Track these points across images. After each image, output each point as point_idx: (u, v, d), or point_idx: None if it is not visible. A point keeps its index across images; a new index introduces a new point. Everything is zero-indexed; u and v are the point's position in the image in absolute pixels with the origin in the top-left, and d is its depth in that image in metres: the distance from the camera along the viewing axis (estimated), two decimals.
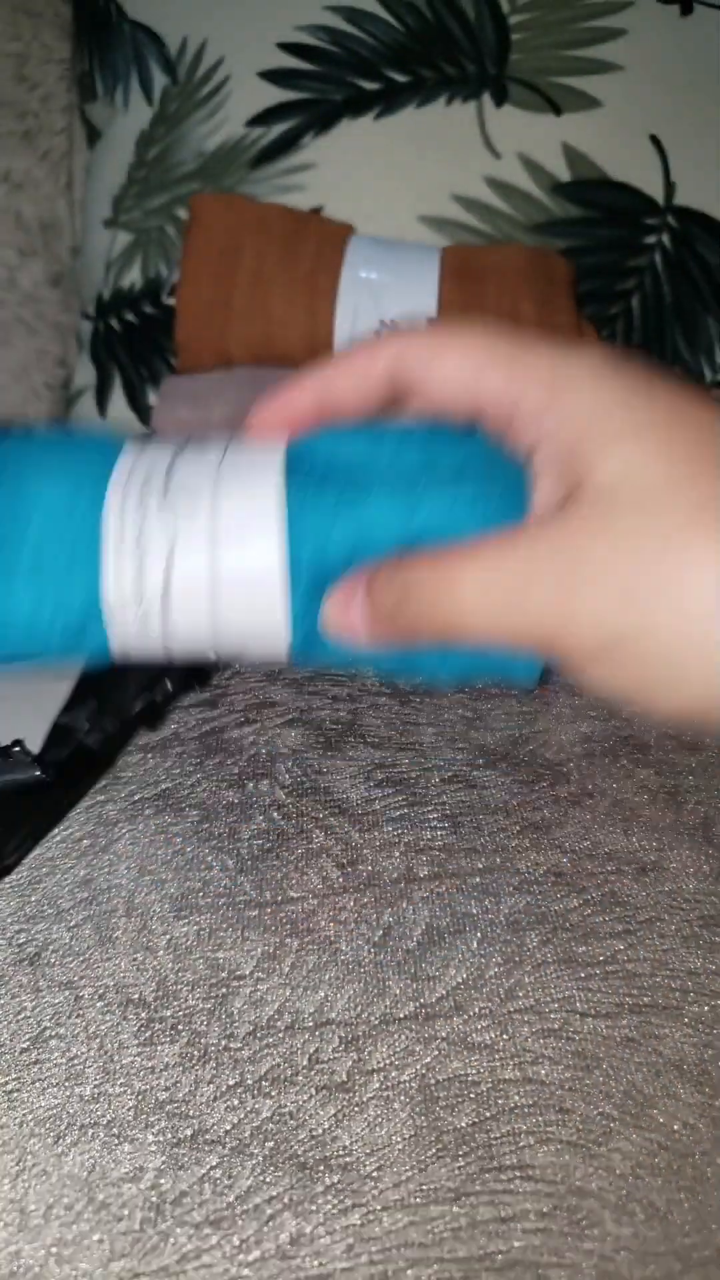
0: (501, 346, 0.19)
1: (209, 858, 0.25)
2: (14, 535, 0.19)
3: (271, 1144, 0.19)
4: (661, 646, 0.17)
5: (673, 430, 0.17)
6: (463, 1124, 0.19)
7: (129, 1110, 0.20)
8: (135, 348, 0.42)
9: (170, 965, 0.23)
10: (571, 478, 0.18)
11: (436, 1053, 0.20)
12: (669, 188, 0.40)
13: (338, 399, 0.20)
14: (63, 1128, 0.20)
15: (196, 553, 0.18)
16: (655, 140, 0.39)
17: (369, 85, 0.39)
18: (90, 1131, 0.20)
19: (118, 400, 0.43)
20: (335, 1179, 0.18)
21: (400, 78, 0.39)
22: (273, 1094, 0.20)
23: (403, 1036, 0.21)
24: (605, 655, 0.17)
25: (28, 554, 0.19)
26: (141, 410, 0.43)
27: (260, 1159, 0.19)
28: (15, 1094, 0.20)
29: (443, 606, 0.18)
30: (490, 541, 0.18)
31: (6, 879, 0.25)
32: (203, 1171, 0.19)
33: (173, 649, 0.19)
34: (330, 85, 0.39)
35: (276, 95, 0.39)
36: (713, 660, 0.16)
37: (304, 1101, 0.20)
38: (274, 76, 0.39)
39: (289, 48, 0.39)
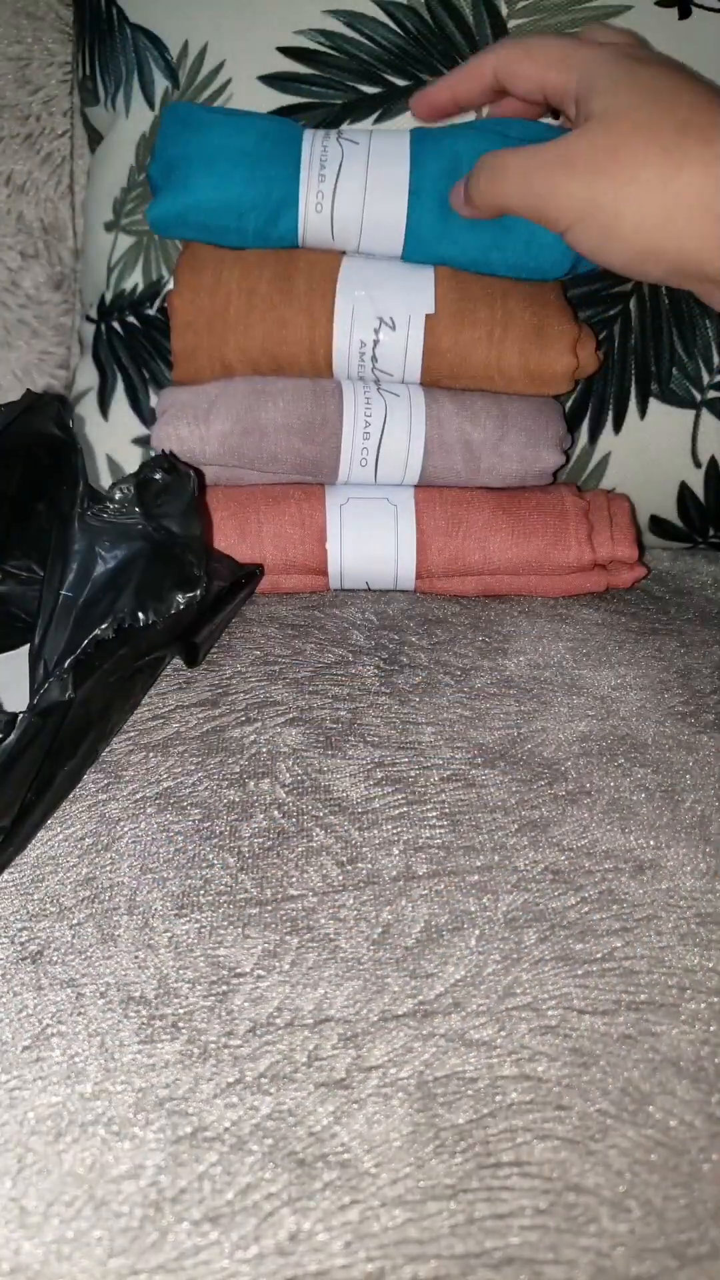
0: (552, 49, 0.31)
1: (210, 856, 0.25)
2: (232, 143, 0.36)
3: (270, 1141, 0.19)
4: (612, 216, 0.27)
5: (646, 87, 0.28)
6: (460, 1121, 0.19)
7: (129, 1108, 0.20)
8: (137, 350, 0.43)
9: (171, 963, 0.23)
10: (579, 119, 0.29)
11: (435, 1050, 0.20)
12: None
13: (464, 94, 0.34)
14: (63, 1125, 0.20)
15: (357, 167, 0.35)
16: None
17: (369, 89, 0.39)
18: (90, 1129, 0.20)
19: (120, 402, 0.43)
20: (334, 1176, 0.18)
21: (400, 81, 0.39)
22: (272, 1091, 0.20)
23: (401, 1034, 0.21)
24: (579, 222, 0.28)
25: (248, 151, 0.35)
26: (143, 413, 0.43)
27: (259, 1156, 0.19)
28: (16, 1091, 0.20)
29: (497, 183, 0.30)
30: (530, 147, 0.30)
31: (6, 878, 0.25)
32: (202, 1169, 0.19)
33: (335, 229, 0.35)
34: (330, 89, 0.39)
35: (277, 99, 0.40)
36: (652, 223, 0.27)
37: (303, 1099, 0.20)
38: (274, 80, 0.40)
39: (289, 52, 0.39)
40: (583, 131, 0.28)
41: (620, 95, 0.28)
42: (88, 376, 0.44)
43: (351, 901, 0.24)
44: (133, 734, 0.29)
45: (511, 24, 0.39)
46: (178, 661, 0.33)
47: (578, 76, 0.29)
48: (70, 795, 0.27)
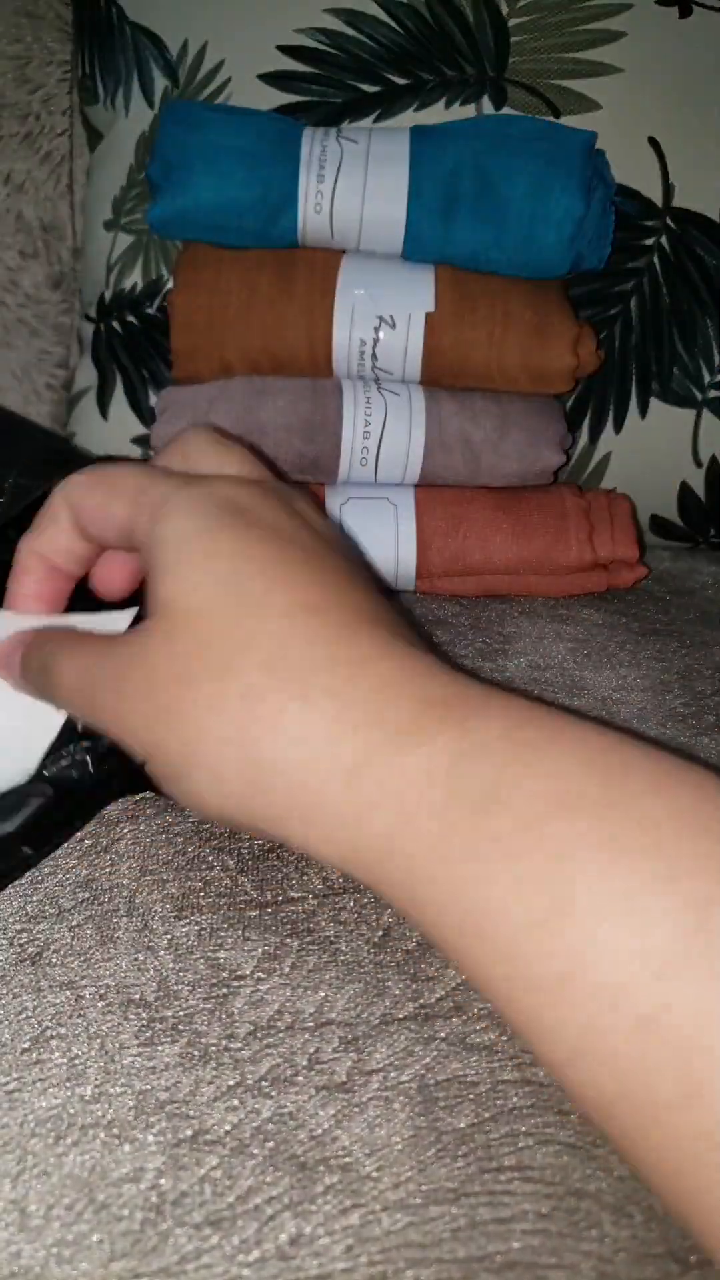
0: (126, 478, 0.21)
1: (210, 857, 0.25)
2: (231, 142, 0.35)
3: (271, 1144, 0.19)
4: (170, 767, 0.19)
5: (229, 573, 0.19)
6: (462, 1125, 0.19)
7: (129, 1111, 0.20)
8: (136, 349, 0.43)
9: (171, 965, 0.23)
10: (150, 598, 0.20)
11: (436, 1053, 0.20)
12: (667, 190, 0.40)
13: (50, 557, 0.23)
14: (63, 1128, 0.20)
15: (356, 166, 0.34)
16: (654, 142, 0.39)
17: (369, 88, 0.39)
18: (91, 1132, 0.20)
19: (119, 402, 0.43)
20: (335, 1179, 0.18)
21: (400, 80, 0.39)
22: (273, 1094, 0.20)
23: (402, 1037, 0.21)
24: (151, 763, 0.20)
25: (247, 151, 0.34)
26: (143, 412, 0.43)
27: (260, 1159, 0.19)
28: (16, 1094, 0.20)
29: (50, 684, 0.21)
30: (95, 641, 0.21)
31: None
32: (203, 1172, 0.19)
33: (335, 228, 0.35)
34: (330, 88, 0.39)
35: (277, 98, 0.40)
36: (213, 786, 0.18)
37: (304, 1102, 0.20)
38: (274, 79, 0.39)
39: (289, 50, 0.39)
40: (151, 629, 0.19)
41: (193, 577, 0.19)
42: (87, 376, 0.44)
43: (352, 904, 0.24)
44: None
45: (512, 22, 0.39)
46: None
47: (147, 523, 0.20)
48: None
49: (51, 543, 0.22)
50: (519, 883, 0.15)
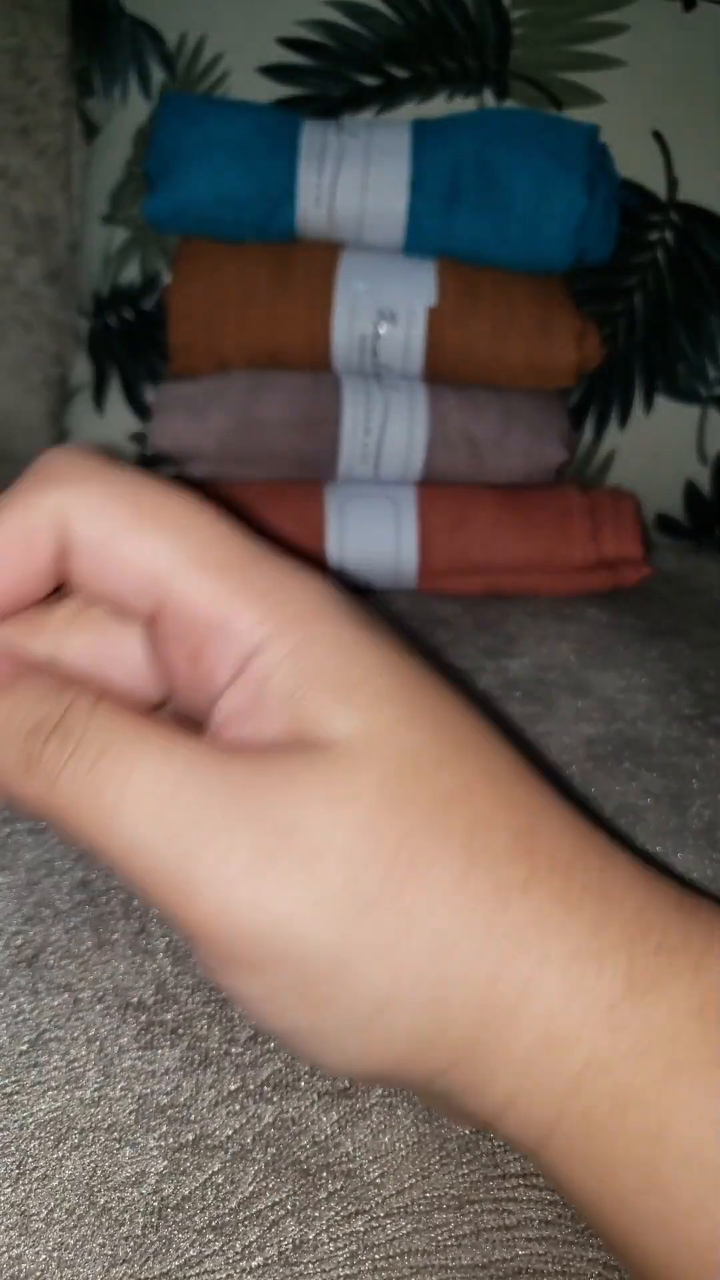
0: (213, 545, 0.14)
1: None
2: (229, 136, 0.34)
3: (274, 1150, 0.19)
4: (358, 976, 0.12)
5: (422, 700, 0.13)
6: (466, 1131, 0.19)
7: (130, 1114, 0.20)
8: (133, 345, 0.42)
9: (170, 968, 0.23)
10: (291, 725, 0.13)
11: None
12: (672, 184, 0.39)
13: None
14: (63, 1131, 0.20)
15: (356, 159, 0.34)
16: (658, 136, 0.39)
17: (369, 81, 0.39)
18: (91, 1135, 0.19)
19: (115, 398, 0.43)
20: (338, 1185, 0.18)
21: (401, 73, 0.39)
22: (275, 1099, 0.20)
23: None
24: (280, 966, 0.12)
25: (245, 144, 0.33)
26: (139, 408, 0.43)
27: (263, 1164, 0.19)
28: (15, 1097, 0.20)
29: (94, 793, 0.13)
30: (182, 745, 0.13)
31: (2, 881, 0.25)
32: (205, 1177, 0.19)
33: (335, 221, 0.33)
34: (330, 81, 0.39)
35: (276, 91, 0.39)
36: (423, 1013, 0.12)
37: (306, 1107, 0.20)
38: (273, 72, 0.39)
39: (288, 43, 0.39)
40: (323, 778, 0.13)
41: (393, 718, 0.13)
42: (83, 372, 0.44)
43: None
44: None
45: (514, 15, 0.38)
46: None
47: (257, 609, 0.14)
48: None
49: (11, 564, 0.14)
50: None
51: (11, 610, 0.15)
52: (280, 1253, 0.17)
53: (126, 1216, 0.18)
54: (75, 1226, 0.18)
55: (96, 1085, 0.20)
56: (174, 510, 0.14)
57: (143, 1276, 0.17)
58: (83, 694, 0.13)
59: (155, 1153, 0.19)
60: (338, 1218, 0.18)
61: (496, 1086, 0.13)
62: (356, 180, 0.35)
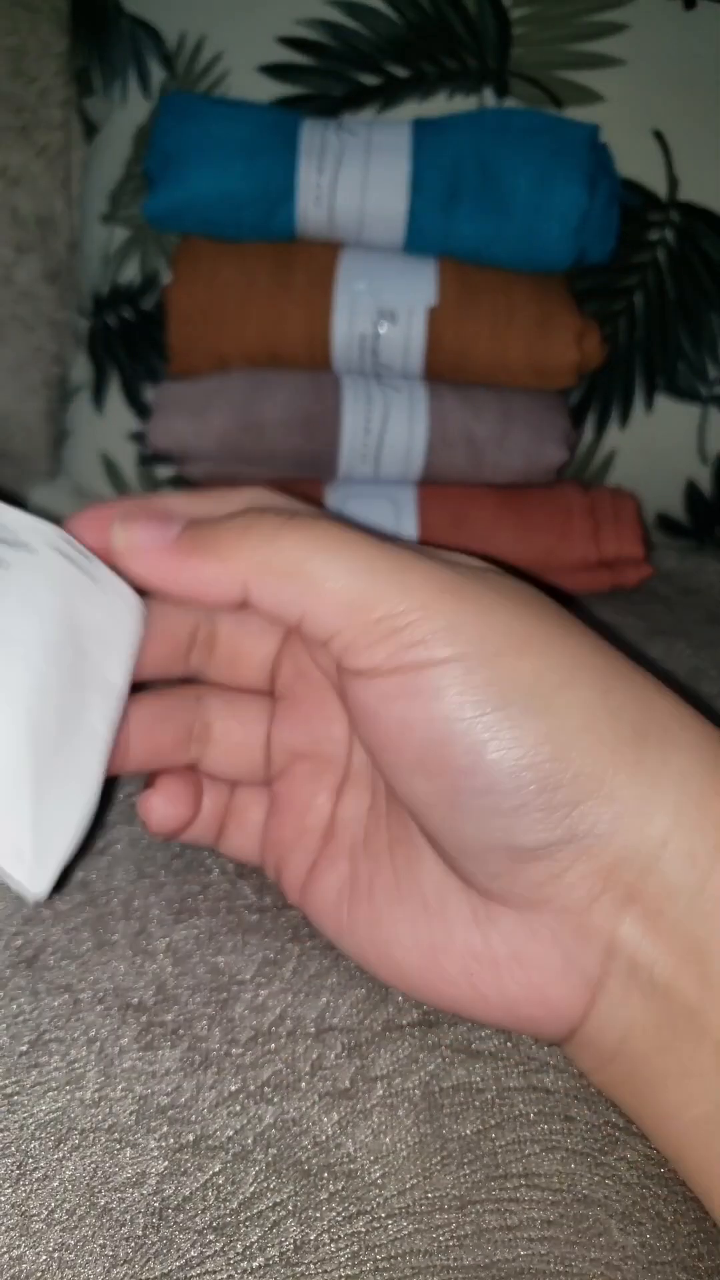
0: (382, 560, 0.16)
1: (208, 861, 0.25)
2: (229, 135, 0.34)
3: (275, 1150, 0.19)
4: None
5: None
6: (468, 1132, 0.19)
7: (130, 1115, 0.20)
8: (133, 344, 0.42)
9: (170, 969, 0.23)
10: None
11: (441, 1060, 0.20)
12: (672, 183, 0.39)
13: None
14: (63, 1132, 0.20)
15: (356, 158, 0.33)
16: (658, 135, 0.39)
17: (369, 80, 0.39)
18: (91, 1136, 0.19)
19: (115, 397, 0.43)
20: (339, 1186, 0.18)
21: (401, 72, 0.39)
22: (275, 1100, 0.20)
23: (406, 1044, 0.21)
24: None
25: (245, 143, 0.33)
26: (139, 407, 0.43)
27: (263, 1165, 0.19)
28: (15, 1098, 0.20)
29: (310, 547, 0.16)
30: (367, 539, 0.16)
31: (2, 881, 0.25)
32: (206, 1177, 0.19)
33: (335, 221, 0.33)
34: (330, 80, 0.39)
35: (276, 90, 0.39)
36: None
37: (307, 1108, 0.20)
38: (273, 71, 0.39)
39: (288, 42, 0.39)
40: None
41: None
42: (82, 371, 0.44)
43: None
44: None
45: (514, 14, 0.38)
46: None
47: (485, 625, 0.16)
48: None
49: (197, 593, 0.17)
50: None
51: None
52: (281, 1253, 0.17)
53: (127, 1217, 0.18)
54: (76, 1227, 0.18)
55: (97, 1086, 0.20)
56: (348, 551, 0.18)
57: (144, 1277, 0.17)
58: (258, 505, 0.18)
59: (156, 1153, 0.19)
60: (339, 1218, 0.18)
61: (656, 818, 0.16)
62: (357, 179, 0.35)
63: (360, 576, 0.16)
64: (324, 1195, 0.18)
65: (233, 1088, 0.20)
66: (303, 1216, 0.18)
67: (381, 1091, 0.20)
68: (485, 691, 0.15)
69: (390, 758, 0.17)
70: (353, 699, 0.17)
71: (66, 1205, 0.18)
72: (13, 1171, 0.19)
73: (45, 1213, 0.18)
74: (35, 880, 0.17)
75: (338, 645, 0.16)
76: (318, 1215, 0.18)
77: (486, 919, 0.17)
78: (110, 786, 0.27)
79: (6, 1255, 0.18)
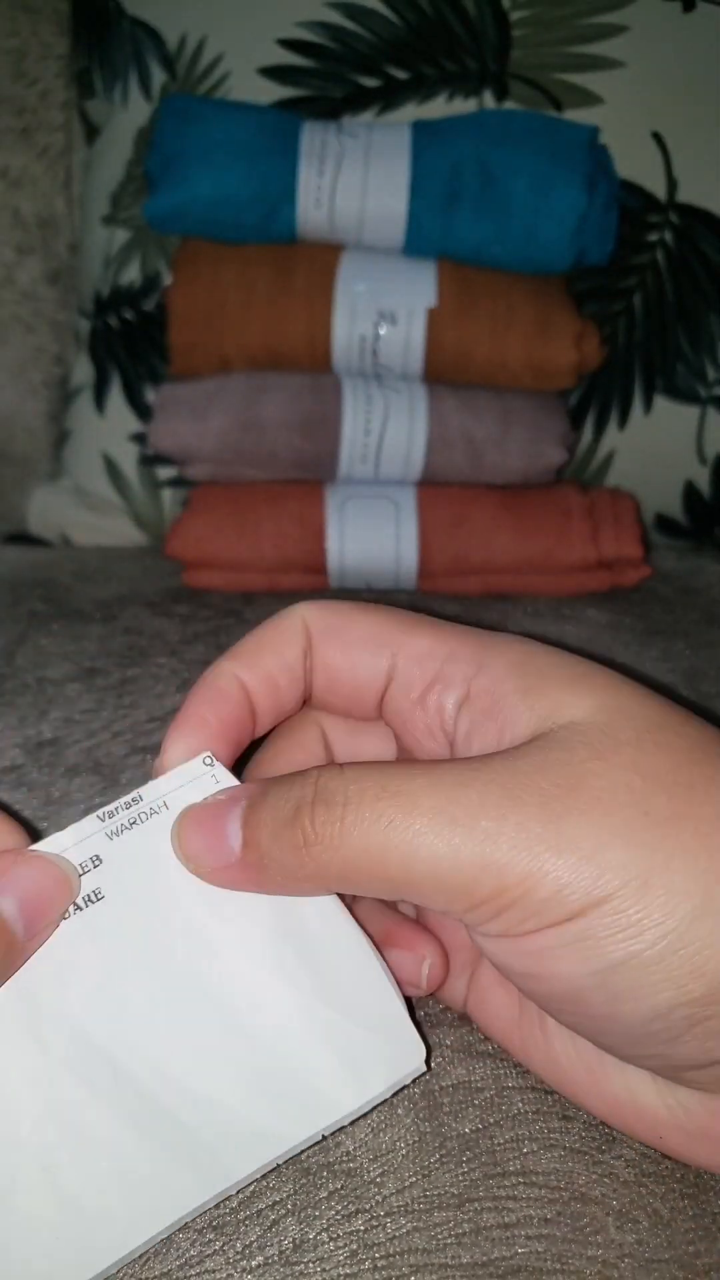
0: (414, 620, 0.17)
1: None
2: (230, 137, 0.34)
3: None
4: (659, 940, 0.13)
5: (633, 684, 0.15)
6: (466, 1130, 0.19)
7: None
8: (134, 345, 0.42)
9: None
10: (532, 719, 0.15)
11: (440, 1059, 0.20)
12: (671, 185, 0.39)
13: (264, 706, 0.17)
14: None
15: (356, 160, 0.33)
16: (657, 137, 0.39)
17: (369, 82, 0.39)
18: None
19: (116, 398, 0.43)
20: (338, 1184, 0.18)
21: (401, 74, 0.39)
22: None
23: None
24: (576, 930, 0.14)
25: (246, 145, 0.33)
26: (140, 408, 0.43)
27: None
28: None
29: (379, 844, 0.14)
30: (443, 767, 0.14)
31: None
32: None
33: (335, 222, 0.33)
34: (330, 82, 0.39)
35: (276, 92, 0.39)
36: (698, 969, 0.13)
37: None
38: (274, 73, 0.39)
39: (289, 44, 0.39)
40: (588, 749, 0.14)
41: (618, 693, 0.15)
42: (84, 372, 0.44)
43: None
44: (129, 736, 0.29)
45: (513, 16, 0.39)
46: (172, 661, 0.33)
47: (513, 662, 0.16)
48: (66, 800, 0.27)
49: (274, 662, 0.16)
50: None
51: (283, 712, 0.18)
52: (280, 1252, 0.17)
53: None
54: None
55: None
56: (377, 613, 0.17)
57: (143, 1276, 0.17)
58: (324, 765, 0.15)
59: None
60: (338, 1217, 0.18)
61: None
62: (357, 181, 0.35)
63: (448, 860, 0.14)
64: (323, 1193, 0.18)
65: None
66: (302, 1215, 0.18)
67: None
68: (611, 943, 0.13)
69: (529, 993, 0.16)
70: (480, 946, 0.16)
71: None
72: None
73: None
74: (416, 1054, 0.17)
75: (454, 915, 0.15)
76: (317, 1214, 0.18)
77: (667, 1088, 0.16)
78: (110, 788, 0.27)
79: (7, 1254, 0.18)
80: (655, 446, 0.41)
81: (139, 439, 0.43)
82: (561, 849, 0.13)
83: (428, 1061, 0.18)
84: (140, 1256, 0.17)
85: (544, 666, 0.15)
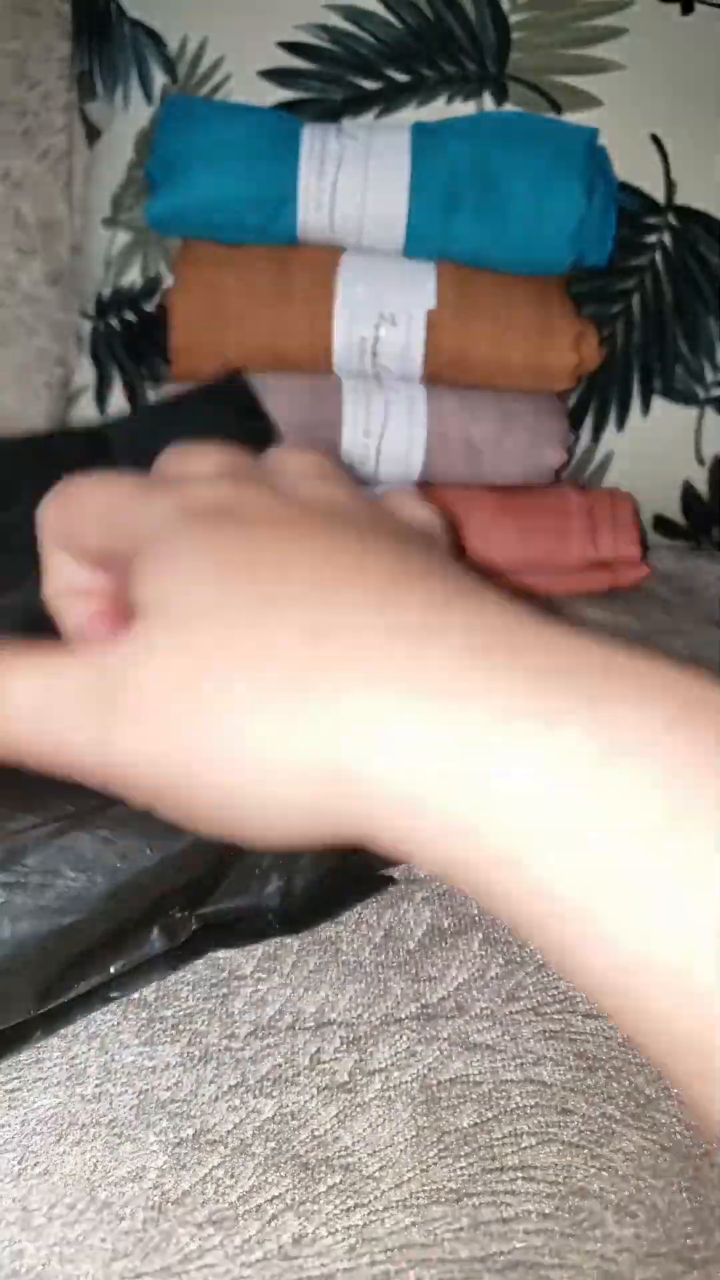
0: (94, 502, 0.17)
1: None
2: (231, 139, 0.34)
3: (273, 1144, 0.19)
4: (220, 790, 0.14)
5: (236, 552, 0.15)
6: (465, 1124, 0.19)
7: (130, 1110, 0.20)
8: (135, 347, 0.42)
9: None
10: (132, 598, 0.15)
11: (438, 1053, 0.20)
12: (670, 187, 0.39)
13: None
14: (64, 1127, 0.20)
15: (356, 162, 0.33)
16: (656, 139, 0.39)
17: (369, 84, 0.39)
18: (92, 1131, 0.20)
19: (117, 400, 0.43)
20: (337, 1179, 0.18)
21: (401, 77, 0.39)
22: (274, 1094, 0.20)
23: (404, 1037, 0.21)
24: (161, 794, 0.14)
25: (246, 147, 0.33)
26: None
27: (262, 1159, 0.19)
28: (17, 1093, 0.20)
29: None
30: (52, 654, 0.16)
31: None
32: (205, 1171, 0.19)
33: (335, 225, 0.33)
34: (330, 84, 0.39)
35: (276, 94, 0.39)
36: (277, 796, 0.14)
37: (305, 1101, 0.20)
38: (274, 75, 0.39)
39: (289, 47, 0.39)
40: (138, 635, 0.15)
41: (191, 587, 0.15)
42: (85, 374, 0.44)
43: None
44: None
45: (513, 19, 0.39)
46: None
47: (126, 549, 0.17)
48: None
49: (63, 584, 0.18)
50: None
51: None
52: (280, 1246, 0.17)
53: (127, 1211, 0.18)
54: (76, 1221, 0.18)
55: (97, 1081, 0.20)
56: (88, 494, 0.18)
57: (143, 1271, 0.17)
58: None
59: (155, 1148, 0.19)
60: (337, 1211, 0.18)
61: (381, 844, 0.14)
62: (357, 183, 0.35)
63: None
64: (322, 1188, 0.18)
65: (232, 1082, 0.20)
66: (301, 1210, 0.18)
67: (379, 1085, 0.20)
68: None
69: None
70: None
71: (67, 1200, 0.19)
72: (14, 1166, 0.19)
73: (46, 1207, 0.19)
74: None
75: None
76: (316, 1208, 0.18)
77: None
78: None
79: (7, 1249, 0.18)
80: (653, 447, 0.41)
81: None
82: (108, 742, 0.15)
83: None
84: (139, 1252, 0.17)
85: (158, 534, 0.16)
